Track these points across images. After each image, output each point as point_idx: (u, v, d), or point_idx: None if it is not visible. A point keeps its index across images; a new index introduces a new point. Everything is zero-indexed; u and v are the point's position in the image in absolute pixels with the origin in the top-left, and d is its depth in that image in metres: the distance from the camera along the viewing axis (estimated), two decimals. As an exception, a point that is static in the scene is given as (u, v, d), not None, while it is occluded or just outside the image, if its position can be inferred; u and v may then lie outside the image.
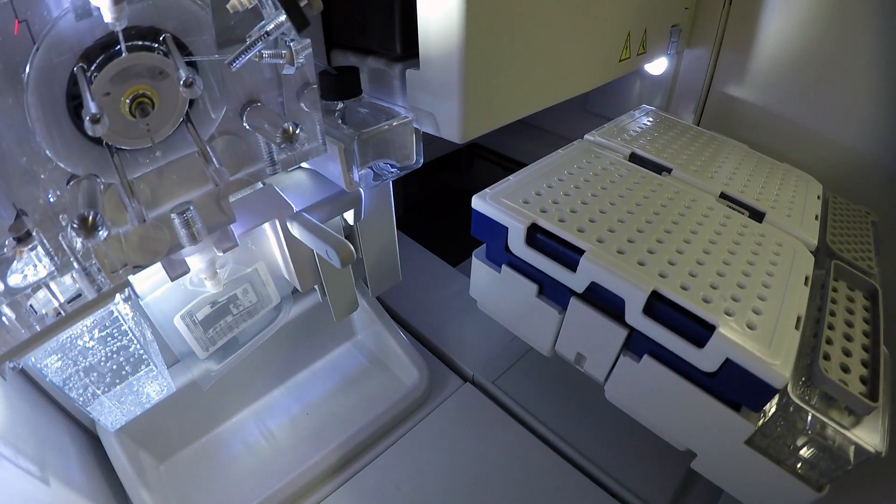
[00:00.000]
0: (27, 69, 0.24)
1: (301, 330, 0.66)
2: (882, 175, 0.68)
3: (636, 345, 0.40)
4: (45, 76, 0.25)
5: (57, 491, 0.43)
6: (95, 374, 0.43)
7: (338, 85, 0.45)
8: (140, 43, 0.27)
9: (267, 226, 0.49)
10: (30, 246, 0.27)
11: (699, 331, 0.35)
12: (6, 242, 0.27)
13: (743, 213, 0.48)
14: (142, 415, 0.49)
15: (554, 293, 0.44)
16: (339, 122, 0.45)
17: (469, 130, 0.46)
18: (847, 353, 0.37)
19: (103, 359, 0.43)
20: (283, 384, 0.67)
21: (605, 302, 0.40)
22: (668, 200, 0.47)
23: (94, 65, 0.26)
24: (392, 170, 0.48)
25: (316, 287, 0.54)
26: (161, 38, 0.27)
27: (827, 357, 0.36)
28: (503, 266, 0.47)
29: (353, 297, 0.59)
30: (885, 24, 0.61)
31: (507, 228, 0.43)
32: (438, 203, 1.22)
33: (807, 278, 0.41)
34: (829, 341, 0.38)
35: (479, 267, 0.49)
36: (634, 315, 0.37)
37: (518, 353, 0.68)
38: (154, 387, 0.49)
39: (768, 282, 0.39)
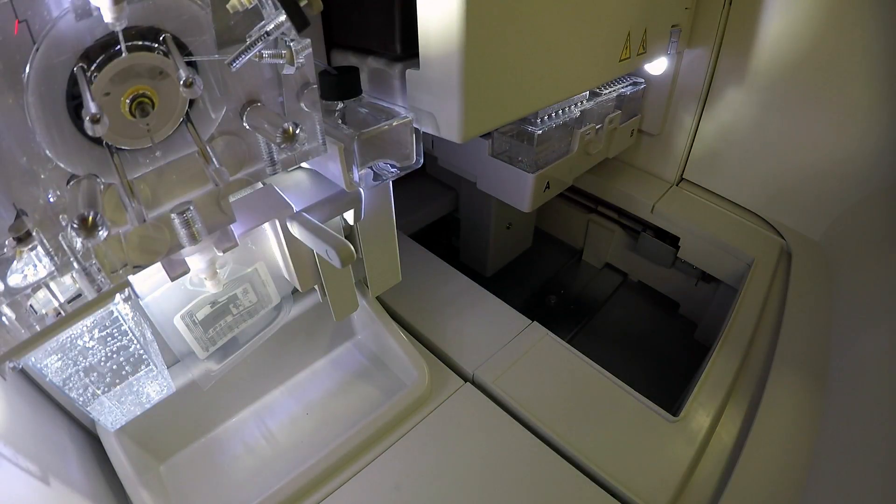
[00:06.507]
0: (27, 69, 0.24)
1: (301, 330, 0.66)
2: (878, 176, 0.68)
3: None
4: (45, 76, 0.25)
5: (57, 491, 0.43)
6: (95, 374, 0.43)
7: (338, 85, 0.45)
8: (140, 43, 0.27)
9: (267, 226, 0.49)
10: (30, 246, 0.27)
11: None
12: (6, 242, 0.27)
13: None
14: (142, 415, 0.49)
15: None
16: (339, 122, 0.45)
17: (469, 130, 0.46)
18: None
19: (103, 359, 0.43)
20: (283, 384, 0.67)
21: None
22: None
23: (94, 65, 0.26)
24: (392, 170, 0.48)
25: (316, 287, 0.54)
26: (161, 38, 0.27)
27: None
28: None
29: (353, 297, 0.59)
30: (885, 26, 0.61)
31: None
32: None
33: None
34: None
35: None
36: None
37: (518, 353, 0.68)
38: (154, 387, 0.49)
39: None
